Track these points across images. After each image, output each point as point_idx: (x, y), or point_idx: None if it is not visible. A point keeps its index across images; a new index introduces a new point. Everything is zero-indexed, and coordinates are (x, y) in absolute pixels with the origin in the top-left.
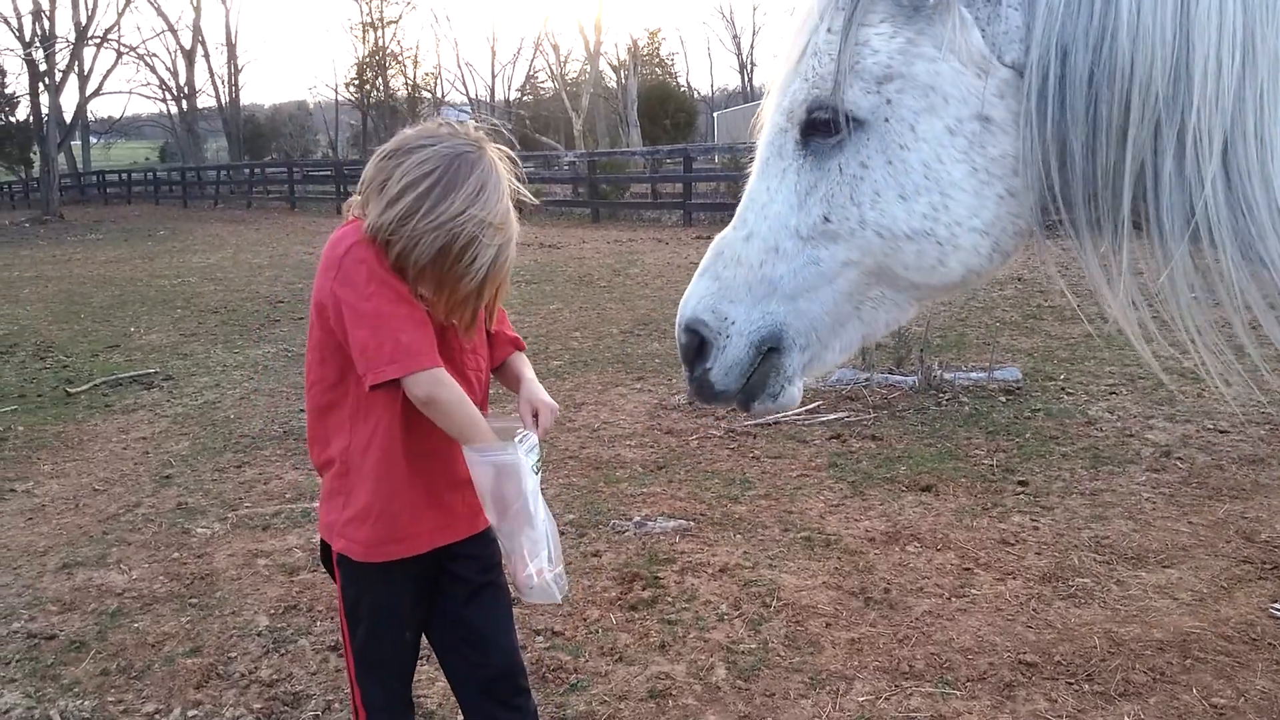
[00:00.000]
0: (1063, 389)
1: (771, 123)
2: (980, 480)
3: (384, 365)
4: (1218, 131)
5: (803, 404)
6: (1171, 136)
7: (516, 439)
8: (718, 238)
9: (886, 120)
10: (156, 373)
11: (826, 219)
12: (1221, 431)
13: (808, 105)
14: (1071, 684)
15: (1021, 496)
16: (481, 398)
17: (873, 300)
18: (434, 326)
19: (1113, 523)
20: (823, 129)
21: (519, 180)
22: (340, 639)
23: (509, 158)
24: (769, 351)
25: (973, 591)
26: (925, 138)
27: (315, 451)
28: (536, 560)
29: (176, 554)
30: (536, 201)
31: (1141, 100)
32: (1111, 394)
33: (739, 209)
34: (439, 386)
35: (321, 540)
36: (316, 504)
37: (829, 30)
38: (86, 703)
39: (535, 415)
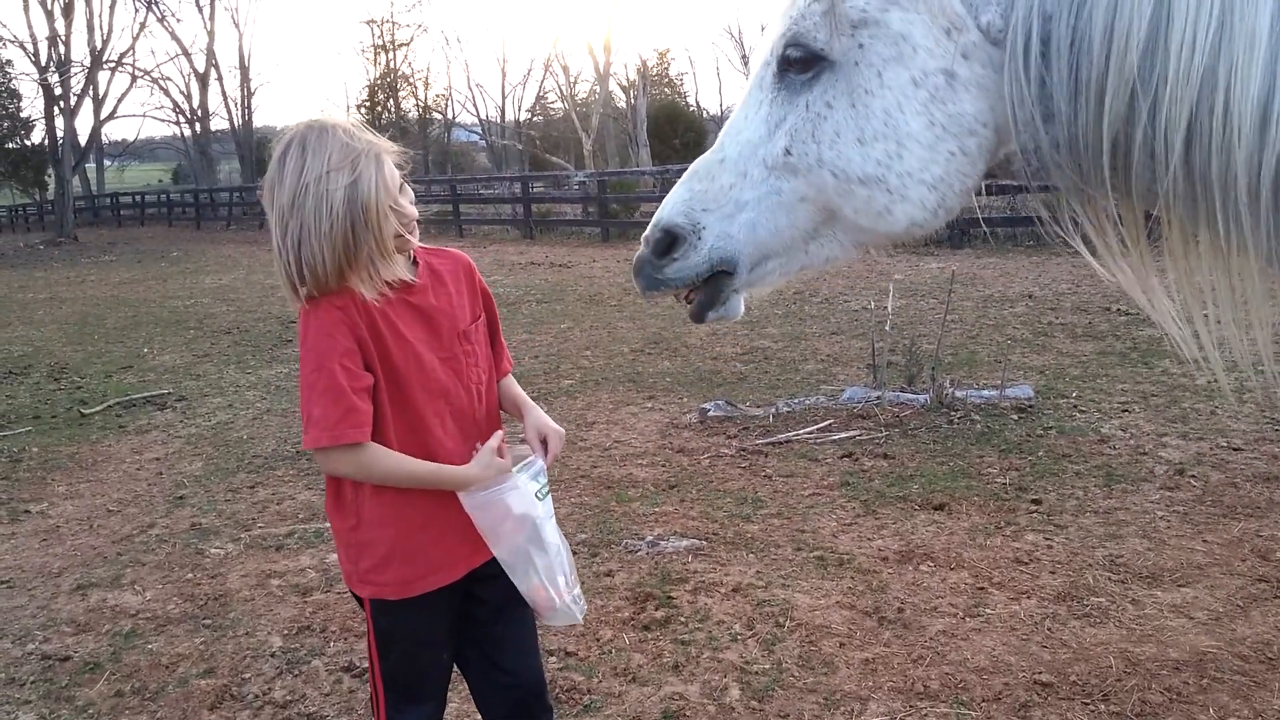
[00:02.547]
0: (1075, 407)
1: (761, 57)
2: (993, 499)
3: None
4: (1186, 104)
5: (814, 422)
6: (1144, 107)
7: (516, 468)
8: (698, 159)
9: (856, 64)
10: (170, 393)
11: (788, 151)
12: (1235, 449)
13: (785, 40)
14: (1087, 704)
15: (1035, 515)
16: (485, 411)
17: (821, 238)
18: (445, 338)
19: (1127, 541)
20: (797, 65)
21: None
22: (367, 665)
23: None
24: (720, 273)
25: (987, 611)
26: (890, 86)
27: (327, 503)
28: (553, 584)
29: (190, 575)
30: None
31: (1118, 69)
32: (1124, 411)
33: (721, 132)
34: (339, 465)
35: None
36: (329, 524)
37: None
38: None
39: (543, 442)
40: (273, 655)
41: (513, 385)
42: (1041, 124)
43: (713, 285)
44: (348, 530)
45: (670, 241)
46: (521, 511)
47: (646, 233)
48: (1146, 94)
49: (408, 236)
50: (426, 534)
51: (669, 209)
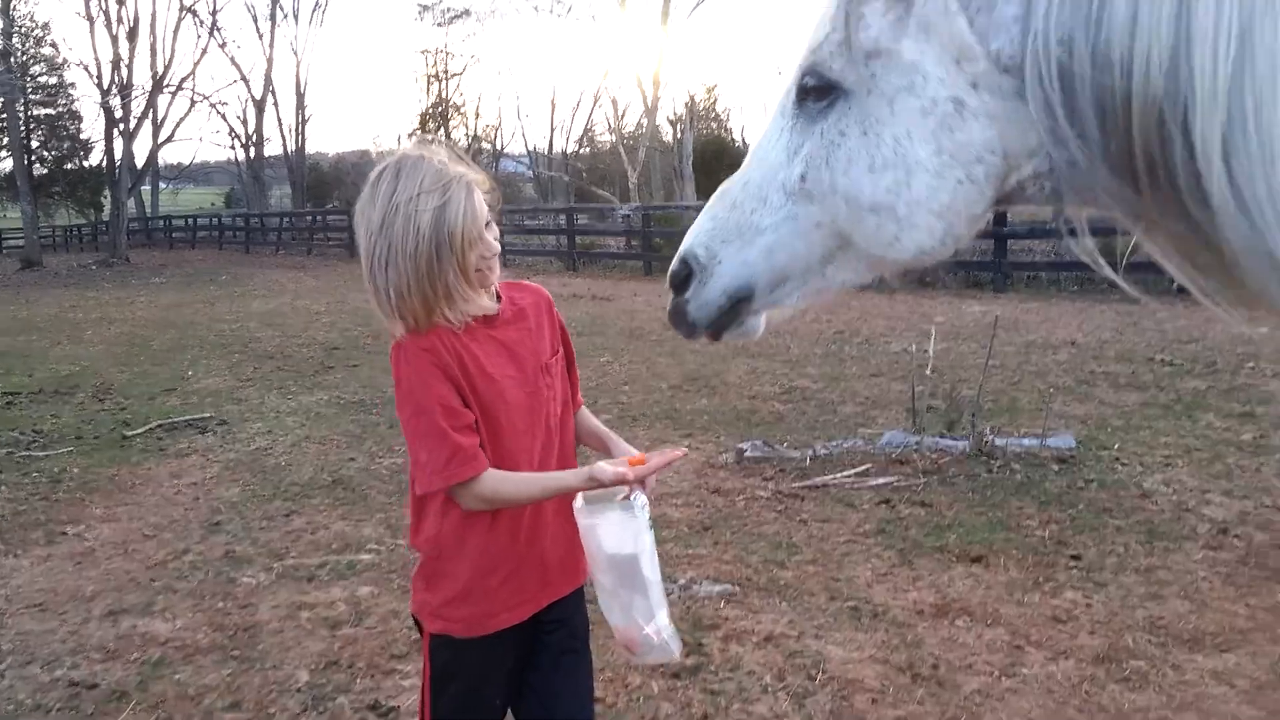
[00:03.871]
0: (1117, 459)
1: (785, 84)
2: (1032, 552)
3: (414, 481)
4: (1218, 128)
5: (852, 466)
6: (1176, 130)
7: (632, 499)
8: (725, 181)
9: (869, 93)
10: (211, 417)
11: (804, 178)
12: None
13: (802, 69)
14: None
15: (1074, 571)
16: (561, 444)
17: (836, 262)
18: (529, 371)
19: (1168, 602)
20: (814, 94)
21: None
22: (417, 703)
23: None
24: (740, 301)
25: (1023, 670)
26: (900, 114)
27: (412, 532)
28: (653, 620)
29: (221, 604)
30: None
31: (1142, 91)
32: (1167, 466)
33: (746, 157)
34: (465, 500)
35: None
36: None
37: (838, 4)
38: None
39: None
40: (299, 690)
41: (591, 418)
42: (1076, 144)
43: (731, 311)
44: (431, 560)
45: (686, 274)
46: (636, 539)
47: (671, 267)
48: (1175, 117)
49: (487, 272)
50: (502, 571)
51: (692, 238)
